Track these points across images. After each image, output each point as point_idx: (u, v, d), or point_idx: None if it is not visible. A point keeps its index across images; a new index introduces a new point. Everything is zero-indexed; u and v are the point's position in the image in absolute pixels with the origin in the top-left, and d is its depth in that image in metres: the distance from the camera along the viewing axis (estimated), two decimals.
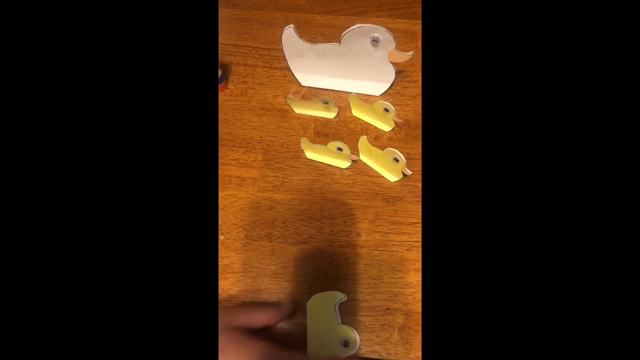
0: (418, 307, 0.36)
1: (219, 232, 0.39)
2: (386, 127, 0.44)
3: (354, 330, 0.33)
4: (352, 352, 0.32)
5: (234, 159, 0.43)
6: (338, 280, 0.37)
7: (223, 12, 0.53)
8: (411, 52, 0.40)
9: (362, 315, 0.35)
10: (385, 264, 0.38)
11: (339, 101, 0.46)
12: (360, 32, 0.39)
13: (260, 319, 0.33)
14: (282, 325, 0.35)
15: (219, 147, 0.43)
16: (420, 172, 0.41)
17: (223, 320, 0.30)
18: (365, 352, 0.34)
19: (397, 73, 0.44)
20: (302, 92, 0.47)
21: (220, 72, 0.44)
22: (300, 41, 0.42)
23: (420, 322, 0.35)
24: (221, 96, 0.46)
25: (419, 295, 0.36)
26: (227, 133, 0.44)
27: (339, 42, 0.41)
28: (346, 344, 0.32)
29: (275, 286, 0.37)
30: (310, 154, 0.43)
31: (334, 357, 0.32)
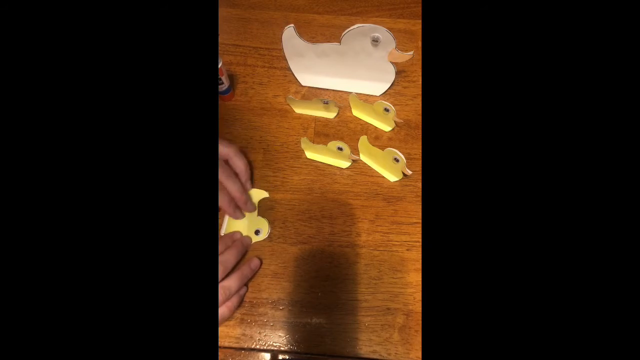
0: (418, 307, 0.36)
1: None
2: (386, 127, 0.44)
3: (268, 222, 0.39)
4: (261, 239, 0.39)
5: None
6: (338, 280, 0.37)
7: (223, 12, 0.53)
8: (411, 52, 0.40)
9: (362, 315, 0.35)
10: (386, 264, 0.38)
11: (339, 101, 0.46)
12: (360, 32, 0.39)
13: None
14: None
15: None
16: (420, 172, 0.41)
17: None
18: (365, 352, 0.34)
19: (397, 73, 0.44)
20: (302, 92, 0.47)
21: (228, 83, 0.44)
22: (300, 41, 0.42)
23: (420, 322, 0.35)
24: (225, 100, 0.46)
25: (419, 295, 0.36)
26: (227, 133, 0.44)
27: (339, 42, 0.41)
28: (257, 232, 0.39)
29: (276, 286, 0.37)
30: (310, 154, 0.43)
31: (247, 237, 0.39)
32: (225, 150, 0.38)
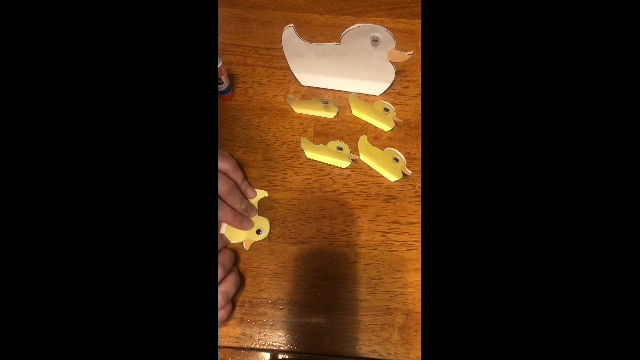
0: (418, 307, 0.36)
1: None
2: (386, 127, 0.44)
3: (269, 221, 0.39)
4: (262, 238, 0.39)
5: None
6: (338, 280, 0.37)
7: (223, 12, 0.53)
8: (411, 52, 0.40)
9: (362, 315, 0.35)
10: (386, 264, 0.38)
11: (339, 101, 0.46)
12: (360, 32, 0.39)
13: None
14: None
15: (219, 147, 0.43)
16: (420, 172, 0.41)
17: None
18: (365, 352, 0.34)
19: (397, 73, 0.44)
20: (302, 92, 0.47)
21: (228, 83, 0.44)
22: (300, 41, 0.42)
23: (420, 322, 0.35)
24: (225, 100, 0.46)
25: (419, 295, 0.36)
26: (227, 133, 0.44)
27: (339, 41, 0.41)
28: (259, 232, 0.39)
29: (276, 286, 0.37)
30: (310, 154, 0.43)
31: (247, 240, 0.38)
32: (224, 166, 0.38)
